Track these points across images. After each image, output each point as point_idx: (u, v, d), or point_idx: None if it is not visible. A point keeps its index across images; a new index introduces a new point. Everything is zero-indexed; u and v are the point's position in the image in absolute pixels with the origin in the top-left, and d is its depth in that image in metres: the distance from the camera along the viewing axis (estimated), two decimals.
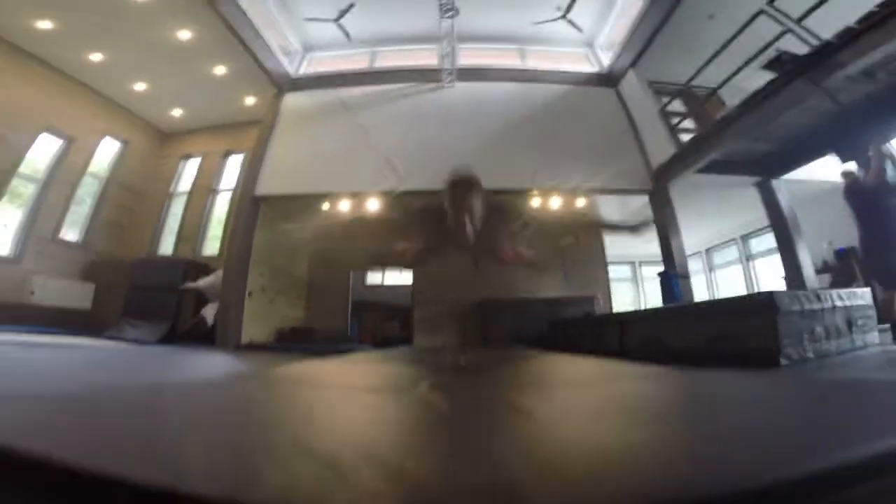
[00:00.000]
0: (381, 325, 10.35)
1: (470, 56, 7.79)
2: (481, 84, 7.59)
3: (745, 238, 9.68)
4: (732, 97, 5.60)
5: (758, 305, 2.74)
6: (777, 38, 4.86)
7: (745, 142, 5.47)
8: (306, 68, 8.01)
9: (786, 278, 6.43)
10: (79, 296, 7.55)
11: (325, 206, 7.25)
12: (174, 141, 9.22)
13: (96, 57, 7.18)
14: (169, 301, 6.93)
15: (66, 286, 7.41)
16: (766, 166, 6.13)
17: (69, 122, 7.62)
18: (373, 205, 6.83)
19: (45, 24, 6.40)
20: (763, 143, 5.60)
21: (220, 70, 7.51)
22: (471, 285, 7.92)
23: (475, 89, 7.53)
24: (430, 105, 7.40)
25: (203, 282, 7.10)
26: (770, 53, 4.99)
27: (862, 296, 2.88)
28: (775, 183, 6.31)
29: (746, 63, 5.23)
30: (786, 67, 4.58)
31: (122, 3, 6.15)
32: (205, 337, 6.50)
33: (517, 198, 7.04)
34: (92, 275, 7.89)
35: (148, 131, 8.99)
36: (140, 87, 7.96)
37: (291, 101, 7.57)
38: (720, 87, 5.79)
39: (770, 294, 2.61)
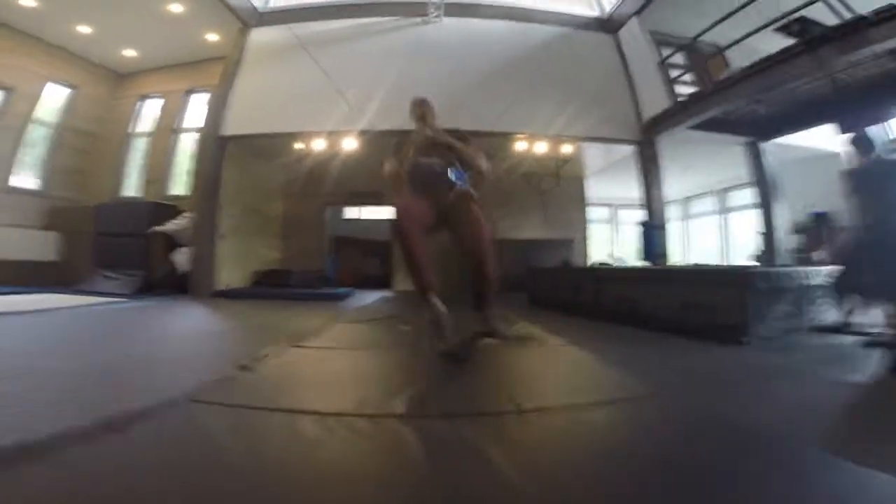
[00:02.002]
0: (360, 261, 10.34)
1: None
2: (470, 21, 7.01)
3: (724, 192, 9.84)
4: (739, 58, 5.42)
5: (731, 279, 2.79)
6: (805, 5, 4.57)
7: (744, 103, 5.38)
8: (276, 1, 7.18)
9: (761, 234, 6.64)
10: (42, 247, 7.18)
11: (299, 145, 6.91)
12: (129, 81, 8.42)
13: (29, 2, 6.31)
14: (136, 247, 6.55)
15: (27, 237, 7.01)
16: (758, 128, 6.15)
17: (5, 71, 6.84)
18: (349, 143, 6.53)
19: None
20: (762, 107, 5.54)
21: (175, 7, 6.67)
22: None
23: (464, 26, 6.97)
24: (413, 41, 6.82)
25: (171, 224, 6.78)
26: (784, 15, 4.74)
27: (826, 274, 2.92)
28: (763, 145, 6.40)
29: (764, 26, 4.94)
30: (808, 35, 4.38)
31: None
32: (178, 285, 6.31)
33: (503, 140, 6.87)
34: (55, 223, 7.47)
35: (99, 74, 8.16)
36: (85, 29, 7.10)
37: (258, 36, 6.86)
38: (730, 46, 5.57)
39: (744, 269, 2.66)
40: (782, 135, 6.21)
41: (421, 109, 2.54)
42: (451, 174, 2.21)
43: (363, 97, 6.29)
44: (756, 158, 6.58)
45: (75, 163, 7.94)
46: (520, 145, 7.03)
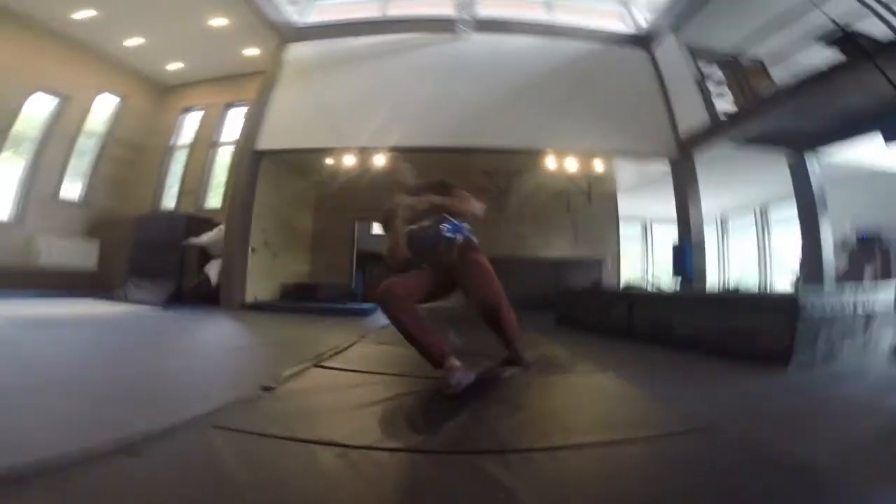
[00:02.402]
0: (386, 277, 10.30)
1: (490, 6, 7.09)
2: (501, 37, 7.01)
3: (764, 208, 9.43)
4: (782, 71, 5.26)
5: (779, 305, 2.65)
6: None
7: (788, 117, 5.14)
8: (313, 17, 7.40)
9: (803, 253, 6.31)
10: (84, 255, 7.51)
11: (330, 161, 7.02)
12: (174, 94, 8.83)
13: (88, 13, 6.69)
14: (172, 258, 6.78)
15: (71, 245, 7.35)
16: (802, 142, 5.84)
17: (63, 80, 7.27)
18: (379, 160, 6.58)
19: None
20: (807, 120, 5.26)
21: (219, 22, 6.97)
22: (479, 240, 7.82)
23: (494, 42, 6.97)
24: (444, 58, 6.88)
25: (206, 237, 6.97)
26: (829, 29, 4.56)
27: (883, 296, 2.75)
28: (808, 158, 6.06)
29: (809, 39, 4.80)
30: (859, 49, 4.18)
31: None
32: (210, 296, 6.45)
33: (533, 157, 6.81)
34: (96, 232, 7.82)
35: (146, 86, 8.59)
36: (135, 42, 7.49)
37: (296, 51, 7.06)
38: (773, 61, 5.49)
39: (793, 296, 2.53)
40: (828, 147, 5.86)
41: (394, 176, 2.33)
42: (446, 232, 2.04)
43: (394, 113, 6.35)
44: (800, 173, 6.20)
45: (118, 173, 8.31)
46: (550, 162, 6.95)
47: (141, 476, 0.84)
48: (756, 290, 6.36)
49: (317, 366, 1.93)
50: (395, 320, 1.80)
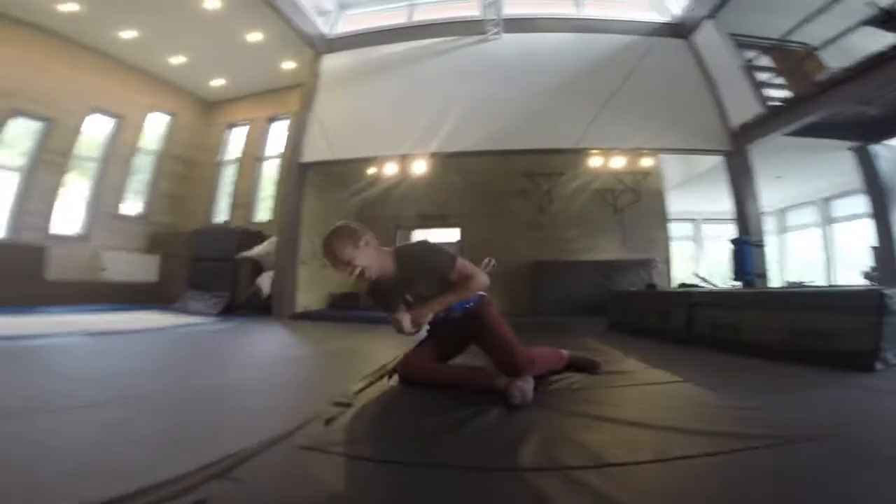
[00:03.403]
0: None
1: (517, 5, 7.00)
2: (531, 35, 6.88)
3: (826, 202, 8.85)
4: (836, 57, 4.87)
5: (862, 303, 2.43)
6: None
7: (850, 104, 4.79)
8: (342, 27, 7.58)
9: (877, 248, 5.88)
10: (145, 269, 7.98)
11: (372, 170, 7.13)
12: (219, 110, 9.27)
13: (130, 34, 7.14)
14: (226, 271, 7.07)
15: (134, 260, 7.84)
16: (867, 130, 5.48)
17: (115, 101, 7.77)
18: (419, 166, 6.62)
19: (71, 7, 6.40)
20: (872, 107, 4.92)
21: (254, 37, 7.28)
22: (523, 244, 7.78)
23: (525, 41, 6.84)
24: (475, 59, 6.82)
25: (257, 250, 7.22)
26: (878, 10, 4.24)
27: None
28: (874, 148, 5.69)
29: (862, 23, 4.41)
30: None
31: None
32: (262, 307, 6.68)
33: (576, 157, 6.65)
34: (155, 247, 8.29)
35: (192, 103, 9.06)
36: (178, 60, 7.92)
37: (330, 62, 7.23)
38: (823, 45, 5.04)
39: (879, 292, 2.32)
40: (894, 135, 5.49)
41: (347, 269, 1.72)
42: (454, 312, 1.89)
43: (430, 119, 6.37)
44: (867, 163, 5.82)
45: (174, 189, 8.78)
46: (594, 161, 6.76)
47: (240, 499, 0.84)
48: (827, 286, 5.93)
49: (380, 378, 1.94)
50: (427, 383, 1.79)
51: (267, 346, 3.81)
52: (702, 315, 3.52)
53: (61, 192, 7.15)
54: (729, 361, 2.69)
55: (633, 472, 0.93)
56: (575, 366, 2.11)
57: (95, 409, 1.54)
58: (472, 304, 1.91)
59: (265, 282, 6.91)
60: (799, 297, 2.96)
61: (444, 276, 1.80)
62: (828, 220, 8.94)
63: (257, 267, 7.19)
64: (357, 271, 1.70)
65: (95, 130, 7.68)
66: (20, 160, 6.74)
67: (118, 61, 7.70)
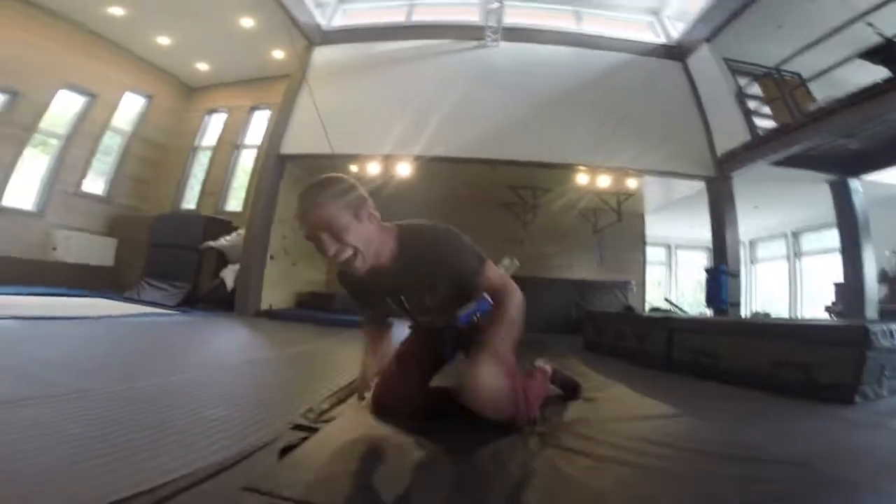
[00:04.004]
0: None
1: (518, 14, 7.00)
2: (529, 46, 6.84)
3: (797, 234, 9.11)
4: (824, 89, 5.05)
5: (845, 337, 2.45)
6: None
7: (834, 137, 4.88)
8: (339, 20, 7.38)
9: (844, 282, 6.03)
10: (101, 252, 7.45)
11: (354, 168, 6.88)
12: (200, 95, 8.85)
13: (117, 11, 6.72)
14: (188, 260, 6.65)
15: (89, 241, 7.30)
16: (847, 164, 5.57)
17: (91, 78, 7.28)
18: (403, 169, 6.41)
19: None
20: (854, 141, 5.01)
21: (247, 22, 6.97)
22: (500, 257, 7.59)
23: (522, 51, 6.80)
24: (470, 65, 6.74)
25: (224, 240, 6.84)
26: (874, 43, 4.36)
27: None
28: (852, 182, 5.81)
29: (855, 54, 4.56)
30: None
31: None
32: (225, 301, 6.29)
33: (561, 173, 6.59)
34: (115, 230, 7.78)
35: (173, 85, 8.62)
36: (164, 40, 7.51)
37: (322, 55, 6.99)
38: (816, 76, 5.19)
39: (863, 327, 2.33)
40: (874, 170, 5.61)
41: (333, 253, 1.21)
42: (460, 321, 1.35)
43: (417, 121, 6.20)
44: (842, 197, 5.93)
45: (141, 172, 8.28)
46: (580, 178, 6.71)
47: None
48: (809, 319, 6.05)
49: (351, 395, 1.71)
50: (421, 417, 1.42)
51: (225, 344, 3.52)
52: (682, 341, 3.46)
53: (18, 165, 6.59)
54: (711, 390, 2.65)
55: None
56: (556, 382, 1.88)
57: (4, 407, 1.28)
58: (479, 314, 1.33)
59: (229, 275, 6.52)
60: (781, 328, 2.95)
61: (463, 282, 1.30)
62: (797, 253, 9.18)
63: (223, 258, 6.80)
64: (346, 254, 1.18)
65: (65, 106, 7.15)
66: None
67: (99, 36, 7.23)
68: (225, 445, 1.06)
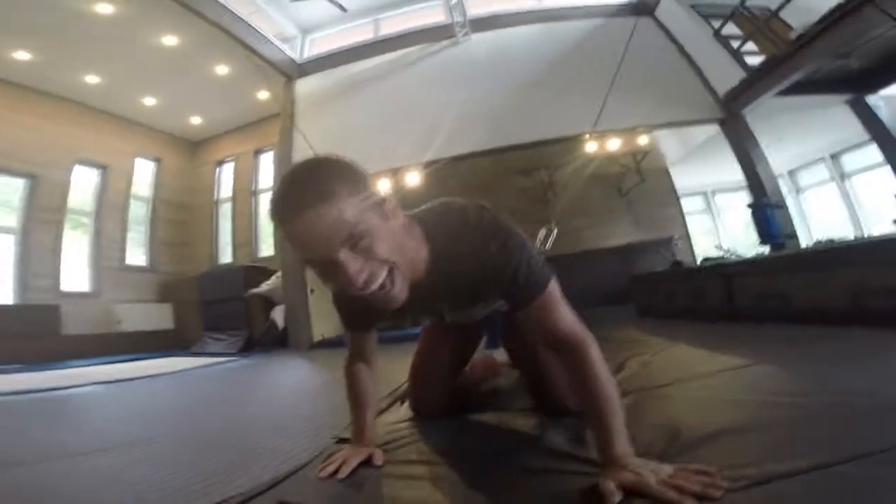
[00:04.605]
0: None
1: (480, 4, 7.09)
2: (500, 32, 6.87)
3: (836, 156, 8.54)
4: (795, 16, 4.92)
5: None
6: None
7: (829, 59, 4.74)
8: (310, 51, 7.59)
9: None
10: (161, 317, 7.96)
11: None
12: (204, 149, 9.24)
13: (92, 79, 7.09)
14: (238, 309, 7.03)
15: (148, 309, 7.82)
16: (857, 83, 5.40)
17: (98, 149, 7.73)
18: (413, 178, 6.42)
19: (23, 56, 6.33)
20: (853, 60, 4.89)
21: (222, 69, 7.24)
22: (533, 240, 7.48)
23: (494, 38, 6.83)
24: (449, 63, 6.79)
25: (265, 285, 7.14)
26: None
27: None
28: (872, 99, 5.64)
29: None
30: None
31: (89, 20, 5.90)
32: (280, 340, 6.59)
33: (568, 145, 6.45)
34: (167, 295, 8.26)
35: (176, 144, 9.02)
36: (150, 101, 7.89)
37: (304, 86, 7.20)
38: (780, 8, 5.06)
39: None
40: (889, 85, 5.41)
41: (360, 284, 0.77)
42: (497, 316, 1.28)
43: (417, 129, 6.24)
44: (867, 115, 5.77)
45: (174, 236, 8.72)
46: (589, 146, 6.54)
47: None
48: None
49: (392, 405, 1.71)
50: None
51: (281, 379, 3.63)
52: (742, 286, 3.24)
53: (64, 249, 7.12)
54: (783, 333, 2.39)
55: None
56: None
57: (85, 458, 1.38)
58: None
59: (278, 315, 6.80)
60: (859, 250, 2.55)
61: (511, 302, 0.92)
62: (841, 175, 8.58)
63: (269, 302, 7.08)
64: (381, 278, 0.78)
65: (85, 183, 7.66)
66: (11, 221, 6.69)
67: (90, 109, 7.65)
68: (273, 464, 1.08)
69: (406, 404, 1.60)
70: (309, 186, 0.73)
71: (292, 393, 2.81)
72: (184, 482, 1.05)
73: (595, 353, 0.86)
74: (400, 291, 0.81)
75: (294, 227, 0.73)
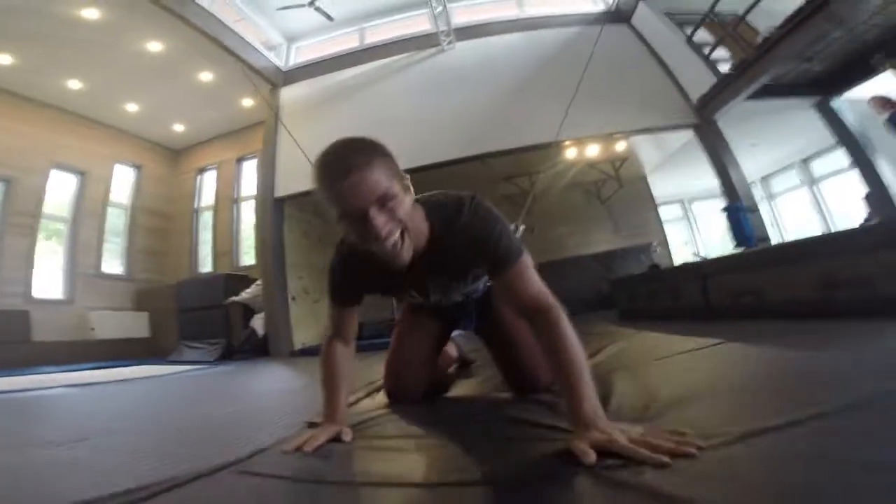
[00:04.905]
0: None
1: (464, 13, 7.28)
2: (483, 40, 7.01)
3: (806, 161, 8.85)
4: (763, 21, 5.09)
5: None
6: None
7: (793, 63, 4.99)
8: (295, 59, 7.65)
9: (868, 197, 5.81)
10: (136, 326, 7.77)
11: None
12: (185, 156, 9.15)
13: (74, 84, 7.01)
14: (217, 317, 6.89)
15: (122, 318, 7.62)
16: (822, 86, 5.65)
17: (76, 155, 7.60)
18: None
19: (4, 60, 6.26)
20: (815, 63, 5.11)
21: (206, 76, 7.21)
22: None
23: (478, 46, 6.96)
24: (434, 71, 6.91)
25: (246, 293, 7.03)
26: None
27: None
28: (836, 103, 5.86)
29: None
30: None
31: (74, 25, 5.85)
32: (259, 348, 6.47)
33: (548, 151, 6.55)
34: (142, 303, 8.07)
35: (157, 152, 8.92)
36: (132, 107, 7.80)
37: (289, 94, 7.23)
38: (747, 12, 5.28)
39: None
40: (851, 88, 5.63)
41: (380, 229, 0.94)
42: (476, 293, 1.39)
43: (400, 136, 6.25)
44: (833, 117, 5.98)
45: (152, 244, 8.55)
46: (569, 153, 6.65)
47: None
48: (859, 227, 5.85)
49: (368, 395, 1.71)
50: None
51: (259, 382, 3.57)
52: (718, 284, 3.30)
53: (37, 254, 6.94)
54: (754, 325, 2.44)
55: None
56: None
57: (57, 448, 1.35)
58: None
59: (258, 323, 6.70)
60: (829, 242, 2.59)
61: (491, 270, 1.05)
62: (812, 181, 8.89)
63: (249, 310, 6.97)
64: (396, 235, 0.95)
65: (61, 189, 7.51)
66: None
67: (71, 114, 7.55)
68: (239, 447, 1.06)
69: (381, 394, 1.60)
70: (358, 154, 0.93)
71: (268, 393, 2.78)
72: (151, 467, 1.02)
73: (564, 319, 0.95)
74: (407, 251, 0.99)
75: (343, 184, 0.90)
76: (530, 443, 0.88)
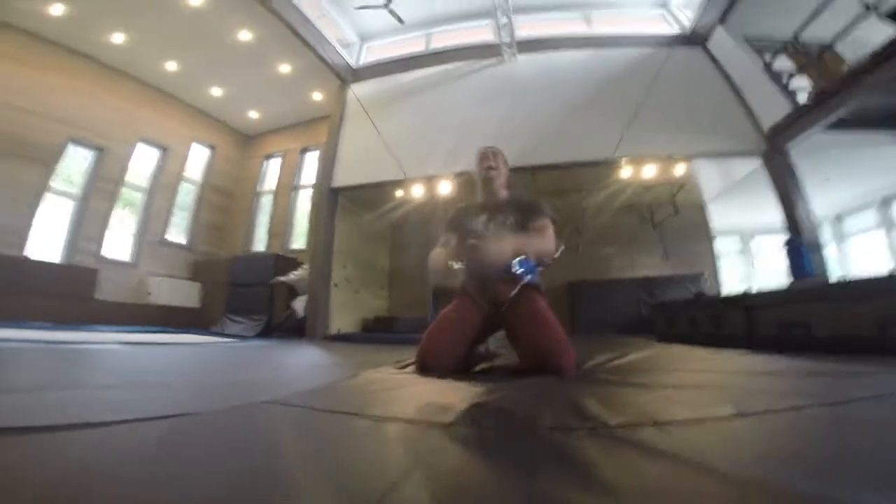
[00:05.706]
0: None
1: (530, 27, 7.30)
2: (546, 54, 7.03)
3: (886, 202, 8.18)
4: (852, 51, 4.85)
5: None
6: None
7: (882, 95, 4.58)
8: (365, 58, 7.99)
9: None
10: (188, 295, 8.29)
11: (399, 192, 7.14)
12: (256, 142, 9.78)
13: (172, 66, 7.69)
14: (263, 295, 7.30)
15: (177, 286, 8.17)
16: None
17: (160, 131, 8.31)
18: (444, 187, 6.57)
19: (118, 38, 6.94)
20: None
21: (284, 68, 7.73)
22: (557, 264, 7.40)
23: (540, 60, 7.00)
24: (494, 81, 7.02)
25: (292, 275, 7.38)
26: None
27: None
28: None
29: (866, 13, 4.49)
30: None
31: (179, 10, 6.44)
32: (296, 329, 6.76)
33: (604, 169, 6.46)
34: (197, 274, 8.63)
35: (231, 135, 9.59)
36: (217, 92, 8.45)
37: (356, 91, 7.56)
38: (834, 41, 5.02)
39: None
40: None
41: (490, 162, 2.09)
42: (517, 267, 1.70)
43: (454, 141, 6.42)
44: None
45: (215, 219, 9.18)
46: (625, 173, 6.52)
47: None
48: None
49: (385, 368, 1.80)
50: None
51: (296, 357, 3.73)
52: (765, 315, 3.17)
53: (113, 219, 7.62)
54: (799, 359, 2.32)
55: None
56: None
57: (99, 390, 1.48)
58: (530, 277, 1.80)
59: (299, 305, 7.01)
60: (879, 282, 2.55)
61: (534, 221, 1.90)
62: (891, 223, 8.21)
63: (292, 291, 7.31)
64: (496, 168, 2.08)
65: (142, 160, 8.22)
66: (74, 189, 7.23)
67: (162, 92, 8.26)
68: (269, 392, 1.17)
69: (411, 368, 1.70)
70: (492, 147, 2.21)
71: (298, 365, 2.93)
72: (194, 398, 1.14)
73: (552, 238, 1.91)
74: (499, 184, 2.14)
75: (489, 149, 2.19)
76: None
